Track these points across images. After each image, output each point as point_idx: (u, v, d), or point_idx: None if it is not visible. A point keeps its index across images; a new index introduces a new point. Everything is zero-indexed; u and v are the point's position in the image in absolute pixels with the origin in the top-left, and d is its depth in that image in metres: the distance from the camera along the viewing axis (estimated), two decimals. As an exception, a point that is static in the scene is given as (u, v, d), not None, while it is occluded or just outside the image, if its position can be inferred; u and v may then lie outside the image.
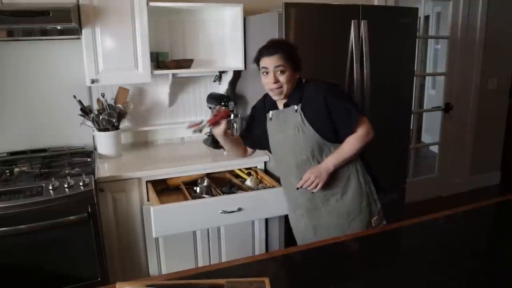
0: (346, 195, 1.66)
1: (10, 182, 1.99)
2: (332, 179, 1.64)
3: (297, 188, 1.64)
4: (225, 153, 2.52)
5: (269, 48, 1.60)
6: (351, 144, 1.60)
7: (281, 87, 1.60)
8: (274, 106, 1.73)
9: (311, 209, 1.71)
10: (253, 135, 1.88)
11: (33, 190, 1.89)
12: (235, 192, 2.17)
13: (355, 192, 1.66)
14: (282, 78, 1.59)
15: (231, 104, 2.56)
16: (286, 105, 1.68)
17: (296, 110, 1.63)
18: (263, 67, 1.61)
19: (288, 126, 1.66)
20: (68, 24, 1.95)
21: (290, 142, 1.67)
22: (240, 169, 2.37)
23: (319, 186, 1.59)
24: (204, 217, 1.96)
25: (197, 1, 2.48)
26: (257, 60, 1.65)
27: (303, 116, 1.61)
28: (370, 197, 1.68)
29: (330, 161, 1.60)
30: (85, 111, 2.38)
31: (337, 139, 1.62)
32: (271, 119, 1.73)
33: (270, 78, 1.59)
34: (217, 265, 1.30)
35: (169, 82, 2.55)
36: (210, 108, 2.70)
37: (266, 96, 1.76)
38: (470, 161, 4.06)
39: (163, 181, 2.23)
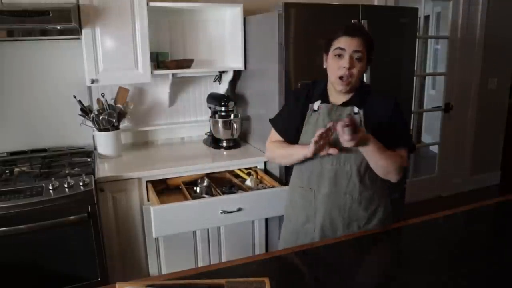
0: (370, 224, 1.52)
1: (10, 182, 1.99)
2: (360, 205, 1.49)
3: (316, 140, 1.33)
4: (225, 153, 2.52)
5: (353, 29, 1.41)
6: (394, 155, 1.43)
7: (351, 76, 1.39)
8: (325, 98, 1.51)
9: (328, 228, 1.52)
10: (282, 122, 1.64)
11: (33, 190, 1.89)
12: (235, 192, 2.17)
13: (379, 222, 1.52)
14: (358, 66, 1.39)
15: (231, 104, 2.57)
16: (345, 104, 1.47)
17: (357, 112, 1.44)
18: (338, 48, 1.39)
19: None
20: (68, 24, 1.95)
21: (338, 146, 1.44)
22: (240, 169, 2.37)
23: (352, 140, 1.28)
24: (204, 217, 1.96)
25: (197, 1, 2.48)
26: (329, 39, 1.43)
27: (362, 121, 1.43)
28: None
29: (373, 140, 1.37)
30: (85, 111, 2.38)
31: None
32: (316, 111, 1.50)
33: (344, 62, 1.38)
34: (217, 265, 1.30)
35: (169, 82, 2.55)
36: (210, 108, 2.71)
37: (315, 83, 1.56)
38: (470, 161, 4.06)
39: (163, 181, 2.23)
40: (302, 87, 1.61)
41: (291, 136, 1.56)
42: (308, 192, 1.55)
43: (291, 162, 1.58)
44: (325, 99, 1.49)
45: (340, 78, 1.39)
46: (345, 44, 1.38)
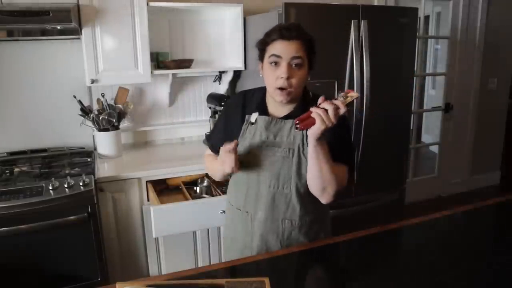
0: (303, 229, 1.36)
1: (10, 182, 1.99)
2: (300, 231, 1.35)
3: (296, 124, 1.12)
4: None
5: (288, 31, 1.19)
6: (338, 167, 1.24)
7: (291, 86, 1.20)
8: (263, 109, 1.32)
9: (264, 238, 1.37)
10: (215, 136, 1.48)
11: (33, 190, 1.89)
12: (235, 192, 2.16)
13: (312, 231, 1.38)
14: (297, 76, 1.20)
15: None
16: (286, 116, 1.29)
17: (298, 127, 1.16)
18: (273, 55, 1.20)
19: (279, 144, 1.28)
20: (68, 24, 1.95)
21: (275, 166, 1.29)
22: (240, 169, 2.37)
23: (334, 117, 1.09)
24: (204, 217, 1.96)
25: (197, 1, 2.48)
26: (263, 44, 1.24)
27: (305, 138, 1.22)
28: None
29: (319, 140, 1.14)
30: (85, 111, 2.37)
31: None
32: (252, 124, 1.31)
33: (282, 70, 1.18)
34: (217, 265, 1.30)
35: (169, 82, 2.55)
36: (210, 108, 2.71)
37: (254, 92, 1.38)
38: (470, 161, 4.06)
39: (163, 181, 2.23)
40: (237, 96, 1.44)
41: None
42: (245, 215, 1.38)
43: (221, 178, 1.42)
44: (264, 111, 1.31)
45: (279, 89, 1.21)
46: (281, 50, 1.19)
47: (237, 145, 1.25)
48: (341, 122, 1.18)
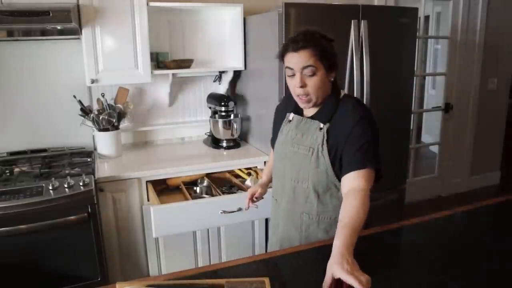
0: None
1: (10, 182, 1.99)
2: (318, 227, 1.39)
3: None
4: (225, 153, 2.52)
5: (295, 42, 1.25)
6: (356, 209, 1.16)
7: (308, 94, 1.29)
8: (300, 110, 1.43)
9: (286, 245, 1.46)
10: (273, 135, 1.60)
11: (33, 190, 1.89)
12: (235, 192, 2.17)
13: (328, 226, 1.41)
14: (312, 83, 1.27)
15: (231, 104, 2.57)
16: (313, 117, 1.37)
17: (321, 128, 1.32)
18: (287, 67, 1.29)
19: (303, 142, 1.37)
20: (68, 24, 1.95)
21: (297, 162, 1.38)
22: (240, 169, 2.37)
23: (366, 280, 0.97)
24: (204, 217, 1.96)
25: (197, 1, 2.48)
26: (280, 56, 1.32)
27: (325, 139, 1.31)
28: None
29: (340, 246, 1.04)
30: (85, 111, 2.38)
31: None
32: (290, 121, 1.45)
33: (296, 81, 1.27)
34: (217, 265, 1.30)
35: (169, 82, 2.55)
36: (210, 108, 2.71)
37: None
38: (470, 161, 4.06)
39: (163, 181, 2.23)
40: (284, 98, 1.58)
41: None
42: (274, 202, 1.56)
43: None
44: (300, 111, 1.43)
45: (298, 97, 1.32)
46: (292, 62, 1.27)
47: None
48: (356, 124, 1.26)
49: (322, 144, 1.31)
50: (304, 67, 1.25)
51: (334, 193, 1.36)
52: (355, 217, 1.13)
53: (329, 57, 1.28)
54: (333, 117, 1.32)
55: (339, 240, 1.05)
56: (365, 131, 1.27)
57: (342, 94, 1.38)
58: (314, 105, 1.34)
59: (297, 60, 1.25)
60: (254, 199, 1.64)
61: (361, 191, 1.20)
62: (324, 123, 1.33)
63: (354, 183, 1.23)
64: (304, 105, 1.34)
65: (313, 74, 1.26)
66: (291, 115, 1.45)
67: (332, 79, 1.33)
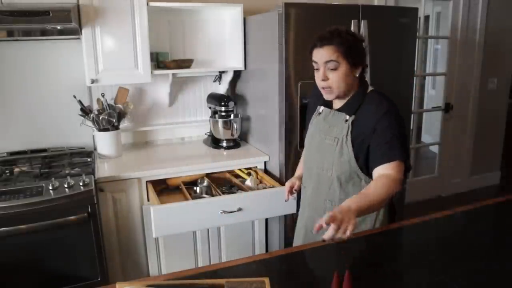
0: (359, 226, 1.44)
1: (10, 182, 1.99)
2: None
3: (323, 240, 1.15)
4: (225, 153, 2.52)
5: (321, 39, 1.36)
6: (378, 189, 1.27)
7: (330, 87, 1.38)
8: (329, 102, 1.51)
9: (310, 230, 1.53)
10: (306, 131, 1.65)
11: (33, 190, 1.89)
12: (235, 192, 2.17)
13: (369, 225, 1.48)
14: (333, 76, 1.36)
15: (231, 104, 2.57)
16: (340, 109, 1.46)
17: (346, 120, 1.41)
18: (313, 61, 1.39)
19: (330, 133, 1.45)
20: (68, 24, 1.95)
21: (323, 151, 1.46)
22: (240, 169, 2.37)
23: (349, 231, 1.10)
24: (204, 217, 1.96)
25: (197, 1, 2.48)
26: (310, 52, 1.42)
27: (349, 130, 1.39)
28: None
29: (352, 205, 1.18)
30: (85, 111, 2.38)
31: (368, 173, 1.40)
32: (320, 114, 1.53)
33: (319, 74, 1.38)
34: (217, 265, 1.30)
35: (169, 82, 2.55)
36: (210, 108, 2.71)
37: None
38: (470, 161, 4.06)
39: (163, 181, 2.23)
40: (313, 91, 1.59)
41: None
42: (303, 189, 1.64)
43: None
44: (329, 104, 1.52)
45: (322, 89, 1.42)
46: (317, 56, 1.37)
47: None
48: (383, 117, 1.33)
49: (347, 135, 1.39)
50: (327, 61, 1.34)
51: (356, 183, 1.43)
52: (373, 190, 1.26)
53: (354, 55, 1.36)
54: (359, 110, 1.40)
55: (351, 199, 1.21)
56: (392, 124, 1.34)
57: (369, 89, 1.46)
58: (337, 97, 1.43)
59: (321, 55, 1.35)
60: (294, 191, 1.70)
61: (390, 179, 1.30)
62: (350, 115, 1.41)
63: (385, 174, 1.33)
64: (327, 95, 1.43)
65: (335, 68, 1.35)
66: (321, 108, 1.54)
67: (357, 75, 1.40)
